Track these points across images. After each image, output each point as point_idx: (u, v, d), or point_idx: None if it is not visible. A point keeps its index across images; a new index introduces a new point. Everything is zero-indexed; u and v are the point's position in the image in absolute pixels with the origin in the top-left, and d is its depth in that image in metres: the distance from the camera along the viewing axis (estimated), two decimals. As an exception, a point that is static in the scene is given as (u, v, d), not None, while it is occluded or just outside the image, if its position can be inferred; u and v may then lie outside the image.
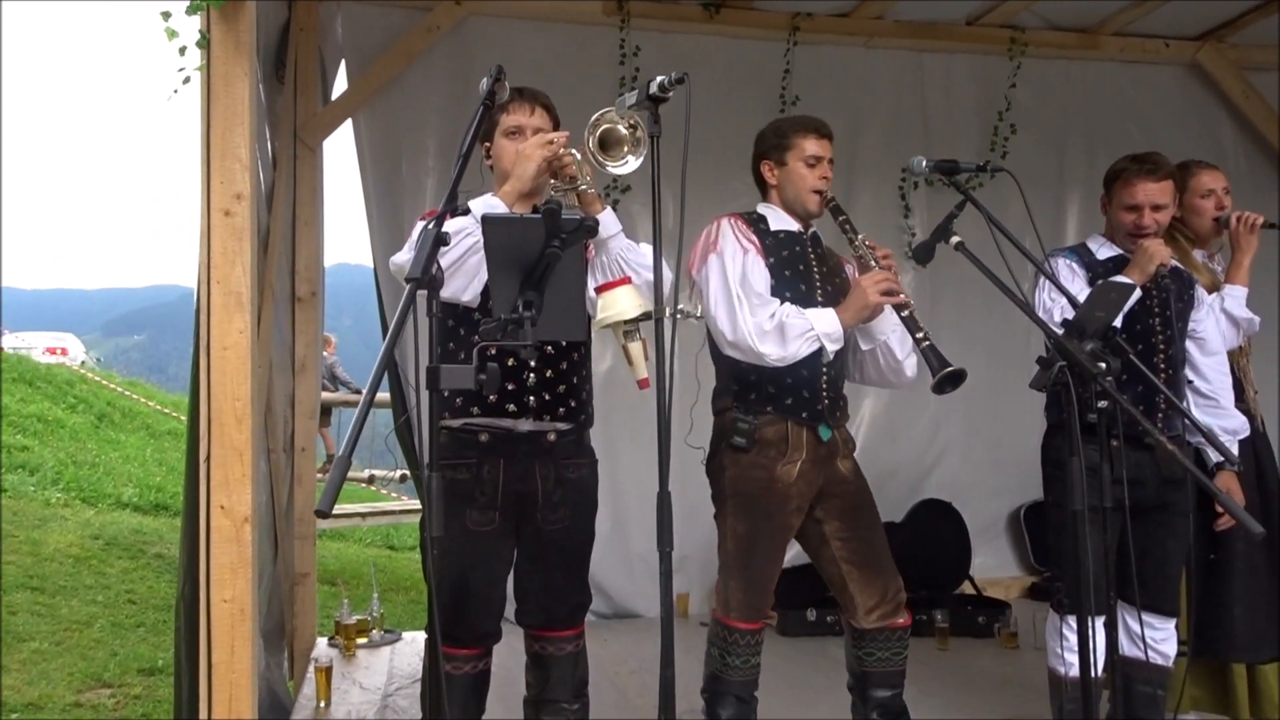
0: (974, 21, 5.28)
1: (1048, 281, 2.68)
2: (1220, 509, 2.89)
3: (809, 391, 2.65)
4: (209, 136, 2.59)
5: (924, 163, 2.57)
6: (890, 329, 2.66)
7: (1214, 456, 2.85)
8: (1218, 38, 5.51)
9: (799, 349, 2.55)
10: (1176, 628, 2.93)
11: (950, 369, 2.39)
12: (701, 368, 2.82)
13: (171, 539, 6.94)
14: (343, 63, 4.66)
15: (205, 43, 2.55)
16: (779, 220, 2.77)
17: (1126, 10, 5.15)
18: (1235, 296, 2.97)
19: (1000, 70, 5.40)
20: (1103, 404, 2.11)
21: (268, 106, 3.85)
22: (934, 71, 5.45)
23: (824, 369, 2.65)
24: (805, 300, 2.65)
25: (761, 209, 2.82)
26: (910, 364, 2.68)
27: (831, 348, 2.58)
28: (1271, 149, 5.69)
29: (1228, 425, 2.88)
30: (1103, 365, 2.03)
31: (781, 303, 2.61)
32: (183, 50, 2.58)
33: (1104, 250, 2.90)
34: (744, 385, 2.68)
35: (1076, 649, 2.68)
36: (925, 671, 4.09)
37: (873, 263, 2.60)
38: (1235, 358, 3.12)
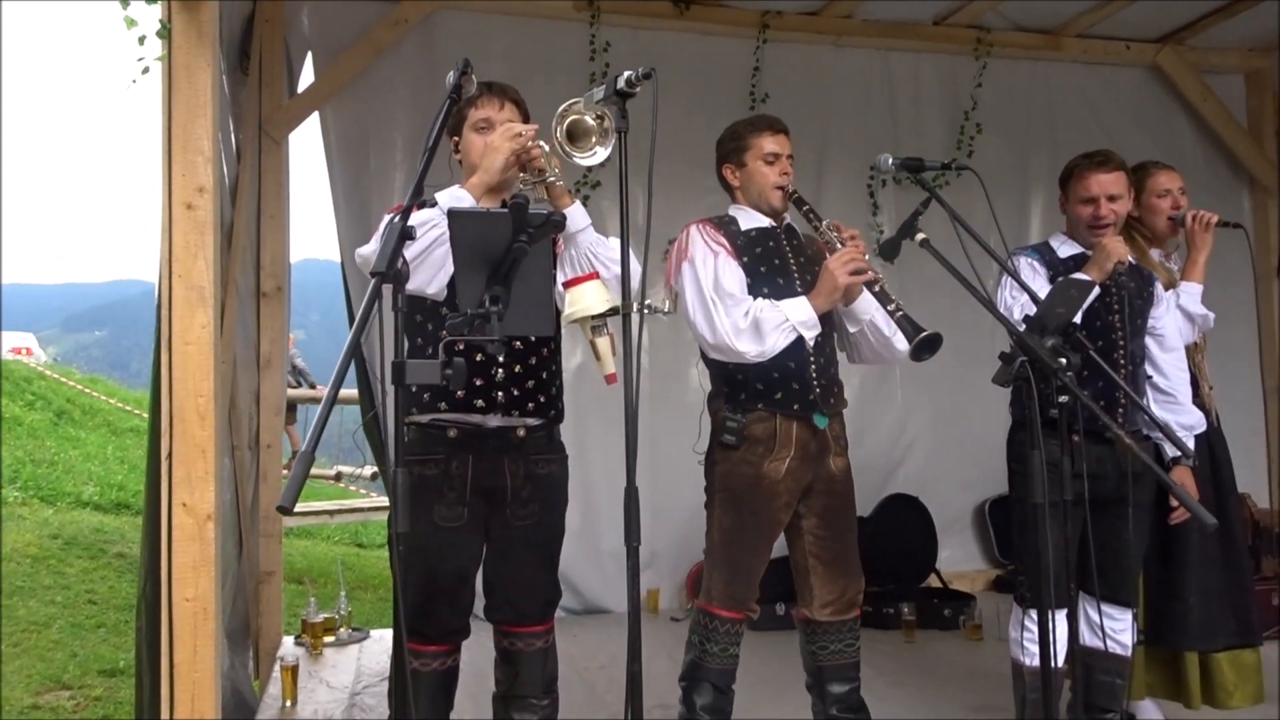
0: (941, 21, 5.33)
1: (1010, 279, 2.71)
2: (1175, 502, 2.95)
3: (798, 383, 2.67)
4: (170, 128, 2.55)
5: (891, 161, 2.59)
6: (874, 308, 2.69)
7: (1171, 451, 2.90)
8: (1177, 40, 5.61)
9: (776, 342, 2.58)
10: (1135, 618, 2.99)
11: (925, 334, 2.42)
12: (704, 374, 2.87)
13: (133, 538, 6.84)
14: (309, 55, 4.61)
15: (166, 33, 2.52)
16: (749, 219, 2.79)
17: (1089, 13, 5.22)
18: (1191, 293, 3.03)
19: (966, 70, 5.46)
20: (1063, 399, 2.14)
21: (231, 99, 3.81)
22: (902, 71, 5.50)
23: (812, 358, 2.68)
24: (784, 293, 2.67)
25: (732, 210, 2.85)
26: (900, 337, 2.68)
27: (809, 335, 2.60)
28: (1229, 150, 5.80)
29: (1185, 420, 2.94)
30: (1063, 361, 2.05)
31: (758, 299, 2.63)
32: (142, 39, 2.54)
33: (1066, 248, 2.94)
34: (733, 386, 2.72)
35: (1034, 642, 2.74)
36: (892, 664, 4.13)
37: (839, 244, 2.63)
38: (1190, 354, 3.18)
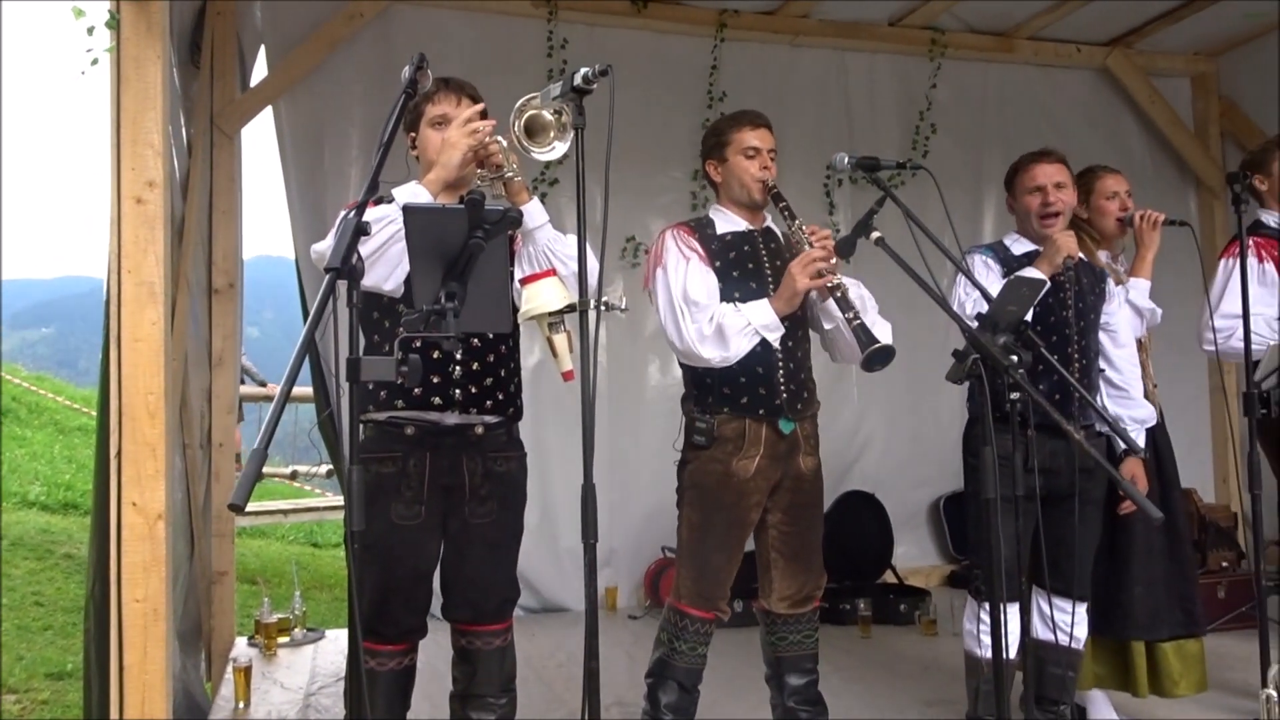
0: (896, 22, 5.39)
1: (964, 277, 2.75)
2: (1122, 494, 3.01)
3: (765, 388, 2.67)
4: (119, 121, 2.51)
5: (846, 160, 2.61)
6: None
7: (1122, 445, 2.96)
8: (1126, 44, 5.73)
9: (740, 346, 2.59)
10: (1087, 611, 3.05)
11: (876, 346, 2.43)
12: (664, 372, 2.86)
13: (81, 539, 6.70)
14: (262, 49, 4.55)
15: (115, 24, 2.47)
16: (727, 222, 2.79)
17: (1040, 15, 5.32)
18: (1139, 289, 3.11)
19: (921, 71, 5.53)
20: (1015, 395, 2.17)
21: (182, 92, 3.75)
22: (858, 71, 5.55)
23: (780, 362, 2.68)
24: (757, 297, 2.67)
25: (712, 213, 2.84)
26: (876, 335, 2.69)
27: (771, 337, 2.61)
28: (1175, 152, 5.93)
29: (1137, 414, 3.00)
30: (1014, 358, 2.09)
31: (728, 302, 2.63)
32: (90, 30, 2.50)
33: (1019, 246, 3.00)
34: (702, 389, 2.73)
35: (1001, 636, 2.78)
36: (848, 659, 4.18)
37: (807, 245, 2.63)
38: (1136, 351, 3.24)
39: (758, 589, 2.83)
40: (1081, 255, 2.89)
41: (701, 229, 2.77)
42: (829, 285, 2.57)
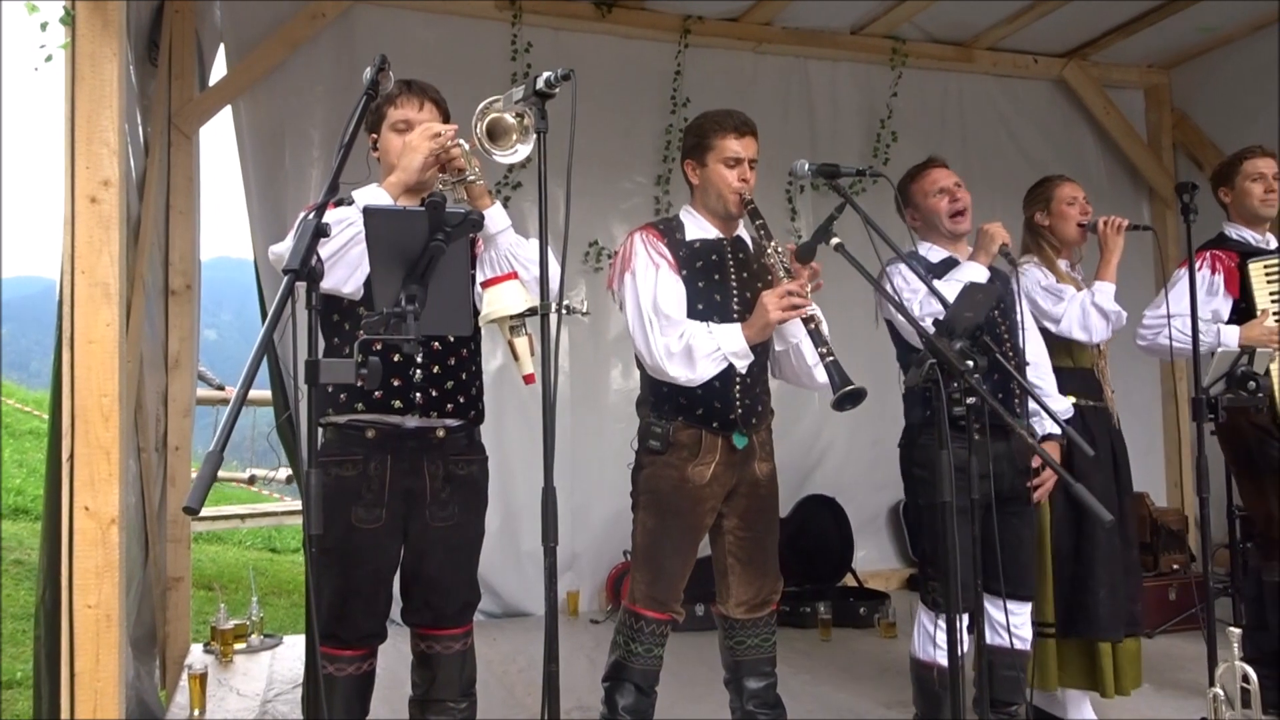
0: (858, 31, 5.45)
1: (904, 284, 2.79)
2: (1040, 480, 3.05)
3: (720, 402, 2.66)
4: (74, 119, 2.47)
5: (807, 166, 2.62)
6: (804, 334, 2.65)
7: (1048, 426, 3.01)
8: (1081, 56, 5.84)
9: (706, 370, 2.57)
10: (1052, 610, 3.11)
11: (851, 388, 2.38)
12: (625, 376, 2.84)
13: (31, 545, 6.56)
14: (221, 48, 4.50)
15: (70, 20, 2.43)
16: (697, 228, 2.76)
17: (998, 26, 5.40)
18: (1104, 292, 3.15)
19: (883, 79, 5.59)
20: (971, 400, 2.20)
21: (139, 90, 3.69)
22: (820, 78, 5.61)
23: (737, 379, 2.67)
24: (721, 311, 2.66)
25: (683, 214, 2.81)
26: (821, 370, 2.63)
27: (740, 365, 2.60)
28: (1130, 162, 6.05)
29: (1055, 406, 3.03)
30: (970, 363, 2.11)
31: (695, 317, 2.62)
32: (44, 26, 2.45)
33: (935, 253, 3.03)
34: (658, 396, 2.71)
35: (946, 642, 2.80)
36: (808, 662, 4.21)
37: (782, 273, 2.57)
38: (1094, 359, 3.30)
39: (716, 594, 2.84)
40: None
41: (670, 232, 2.73)
42: (804, 318, 2.52)
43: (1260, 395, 2.96)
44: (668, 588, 2.71)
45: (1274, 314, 3.29)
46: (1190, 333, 2.98)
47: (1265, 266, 3.34)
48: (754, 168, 2.72)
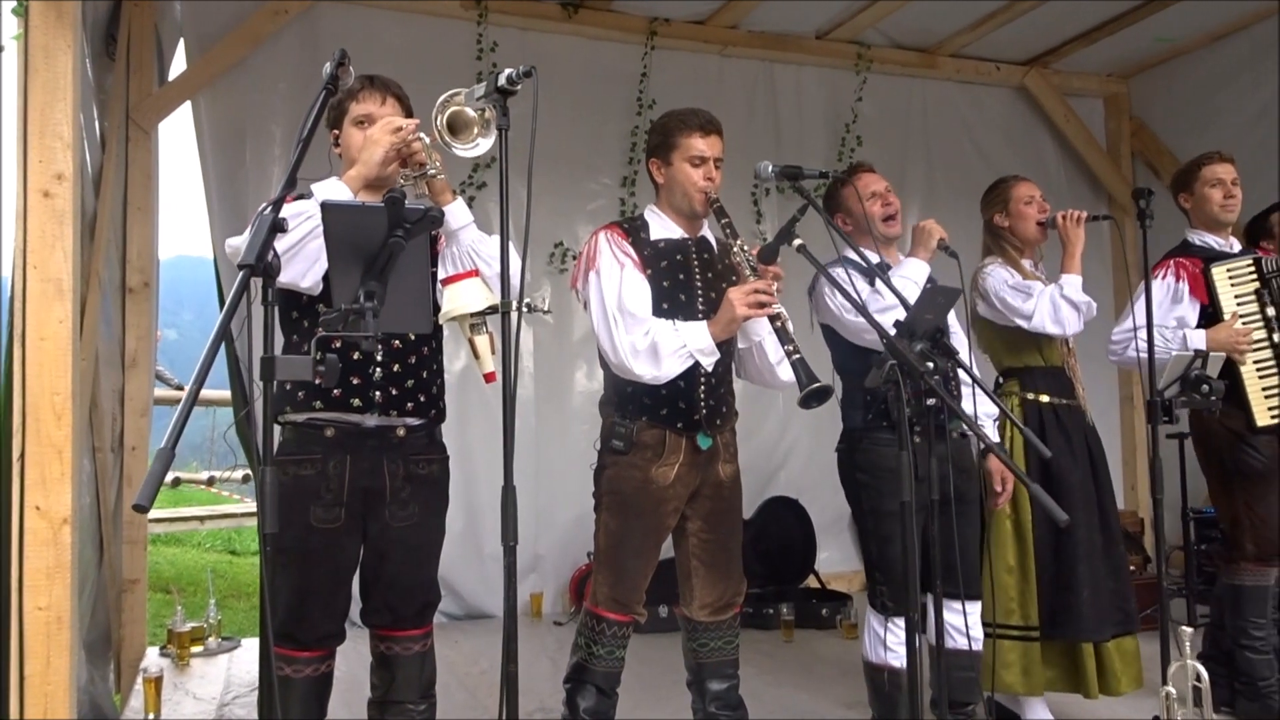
0: (823, 36, 5.49)
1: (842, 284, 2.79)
2: (998, 488, 3.10)
3: (685, 403, 2.66)
4: (26, 112, 2.42)
5: (770, 168, 2.63)
6: (766, 331, 2.66)
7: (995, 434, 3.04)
8: (1043, 64, 5.93)
9: (672, 367, 2.56)
10: (1037, 613, 3.12)
11: (816, 385, 2.37)
12: (590, 377, 2.81)
13: (-17, 546, 6.42)
14: (181, 42, 4.44)
15: (22, 10, 2.39)
16: (662, 227, 2.75)
17: (961, 33, 5.47)
18: (1072, 284, 3.15)
19: (847, 84, 5.64)
20: (931, 401, 2.22)
21: (96, 84, 3.64)
22: (785, 82, 5.64)
23: (702, 379, 2.66)
24: (685, 310, 2.65)
25: (647, 213, 2.80)
26: (784, 368, 2.64)
27: (706, 362, 2.59)
28: (1089, 169, 6.15)
29: (988, 410, 3.05)
30: (930, 364, 2.13)
31: (660, 316, 2.61)
32: (-5, 16, 2.41)
33: (871, 256, 2.98)
34: (622, 396, 2.70)
35: (901, 644, 2.80)
36: (770, 663, 4.22)
37: (748, 272, 2.57)
38: (1064, 356, 3.32)
39: (679, 596, 2.84)
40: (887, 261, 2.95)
41: (635, 231, 2.72)
42: (770, 316, 2.52)
43: (1213, 398, 3.01)
44: (630, 589, 2.70)
45: (1241, 317, 3.31)
46: (1159, 341, 3.03)
47: (1228, 270, 3.35)
48: (719, 167, 2.71)
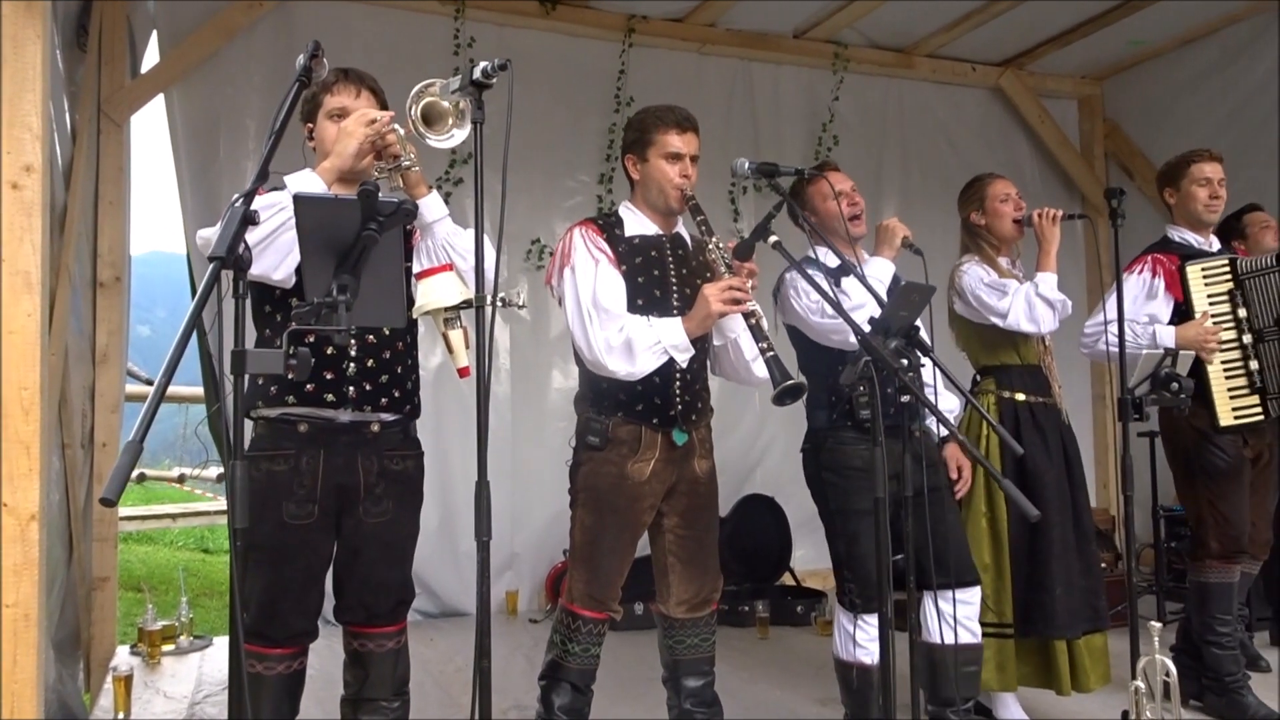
0: (800, 35, 5.50)
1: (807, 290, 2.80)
2: (954, 475, 3.09)
3: (660, 399, 2.65)
4: (-6, 102, 2.39)
5: (746, 165, 2.64)
6: (741, 328, 2.65)
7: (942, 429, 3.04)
8: (1018, 65, 5.98)
9: (647, 363, 2.55)
10: (1011, 611, 3.13)
11: (790, 383, 2.37)
12: (567, 375, 2.79)
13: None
14: (154, 34, 4.40)
15: (-10, 0, 2.36)
16: (636, 223, 2.74)
17: (938, 34, 5.51)
18: (1047, 282, 3.18)
19: (825, 83, 5.66)
20: (905, 398, 2.23)
21: (67, 75, 3.59)
22: (763, 81, 5.65)
23: (677, 375, 2.66)
24: (660, 307, 2.65)
25: (622, 210, 2.79)
26: (759, 365, 2.63)
27: (681, 358, 2.59)
28: (1063, 170, 6.20)
29: (946, 404, 3.05)
30: (904, 361, 2.14)
31: (635, 313, 2.60)
32: (-38, 5, 2.37)
33: (831, 259, 2.95)
34: (597, 392, 2.69)
35: (870, 641, 2.81)
36: (746, 660, 4.23)
37: (723, 265, 2.57)
38: (1040, 355, 3.34)
39: (656, 593, 2.84)
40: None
41: (609, 228, 2.72)
42: (744, 313, 2.51)
43: (1183, 396, 3.04)
44: (605, 586, 2.70)
45: (1212, 316, 3.33)
46: (1129, 335, 3.05)
47: (1203, 269, 3.37)
48: (695, 164, 2.71)
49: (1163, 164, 3.59)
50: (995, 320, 3.18)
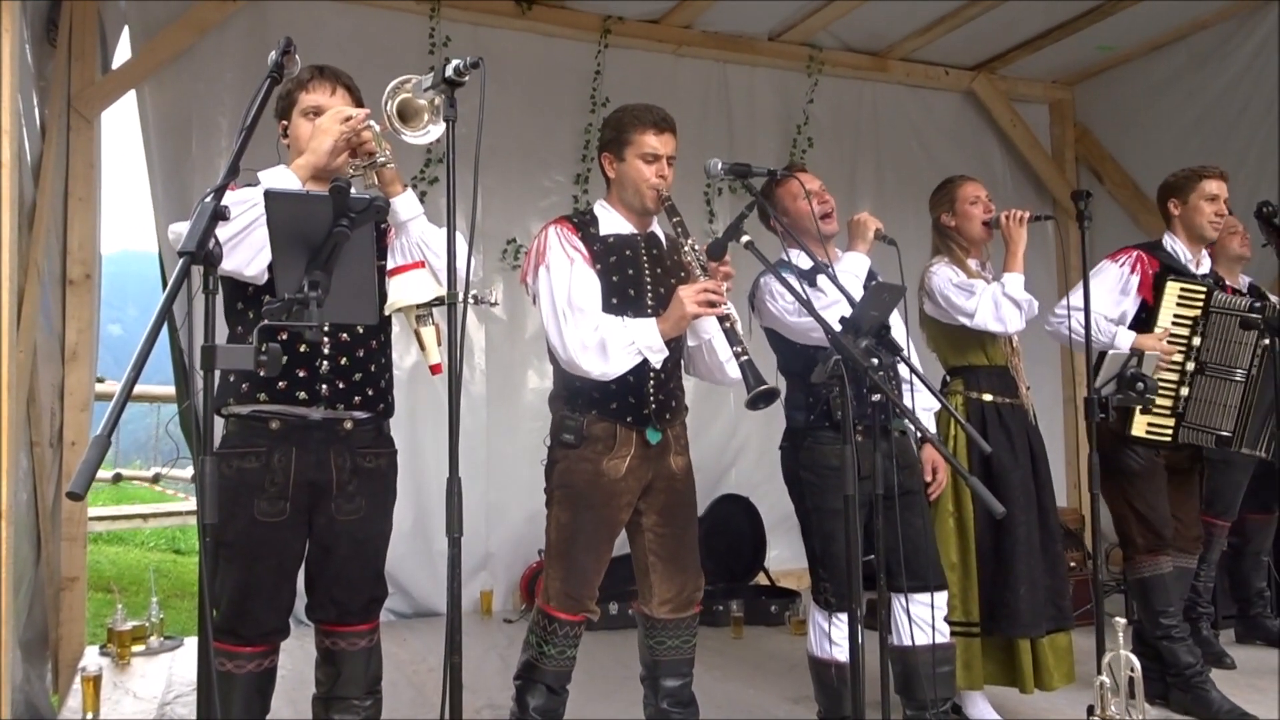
0: (776, 37, 5.54)
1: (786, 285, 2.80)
2: (929, 477, 3.13)
3: (634, 397, 2.66)
4: (-39, 96, 2.37)
5: (719, 165, 2.65)
6: (715, 330, 2.65)
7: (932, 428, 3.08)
8: (991, 69, 6.04)
9: (621, 363, 2.56)
10: (978, 609, 3.16)
11: (764, 388, 2.38)
12: (543, 374, 2.77)
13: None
14: (125, 30, 4.36)
15: (-42, -7, 2.33)
16: (612, 222, 2.74)
17: (911, 37, 5.56)
18: (1014, 282, 3.22)
19: (799, 86, 5.70)
20: (876, 397, 2.25)
21: (36, 70, 3.56)
22: (738, 83, 5.68)
23: (651, 374, 2.66)
24: (634, 306, 2.65)
25: (597, 208, 2.79)
26: (733, 366, 2.61)
27: (655, 359, 2.59)
28: (1035, 173, 6.27)
29: (926, 403, 3.08)
30: (875, 360, 2.16)
31: (609, 312, 2.60)
32: (-71, -2, 2.35)
33: (804, 260, 2.94)
34: (572, 390, 2.69)
35: (846, 639, 2.82)
36: (720, 659, 4.25)
37: (698, 268, 2.57)
38: (1008, 356, 3.38)
39: (636, 592, 2.82)
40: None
41: (584, 226, 2.71)
42: (719, 316, 2.52)
43: (1148, 395, 3.09)
44: (581, 584, 2.69)
45: (1171, 335, 3.36)
46: (1092, 328, 3.09)
47: (1182, 289, 3.40)
48: (672, 165, 2.71)
49: (1170, 175, 3.62)
50: (963, 320, 3.21)
